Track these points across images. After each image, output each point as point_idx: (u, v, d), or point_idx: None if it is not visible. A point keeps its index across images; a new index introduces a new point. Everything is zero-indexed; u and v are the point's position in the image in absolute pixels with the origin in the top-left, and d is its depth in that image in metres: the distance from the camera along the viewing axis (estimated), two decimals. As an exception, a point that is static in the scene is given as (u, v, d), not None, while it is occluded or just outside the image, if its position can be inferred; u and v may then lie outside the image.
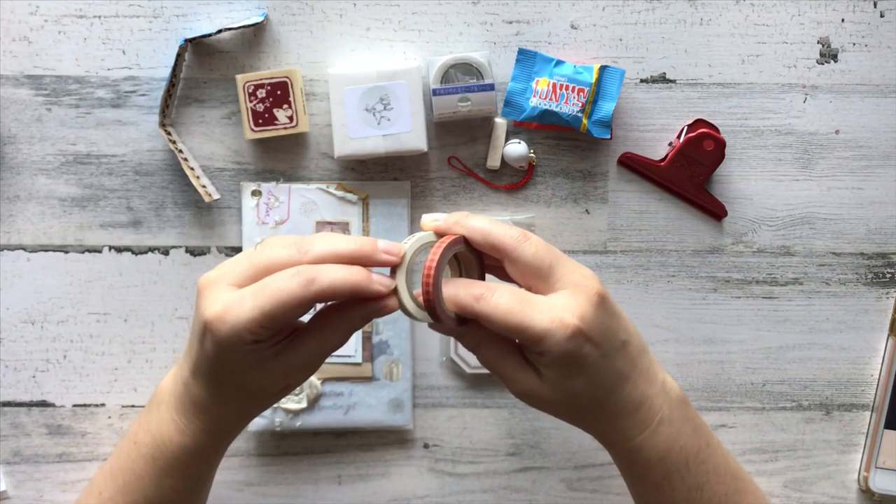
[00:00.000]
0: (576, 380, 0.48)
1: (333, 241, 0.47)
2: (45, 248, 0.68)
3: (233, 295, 0.46)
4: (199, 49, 0.66)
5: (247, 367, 0.48)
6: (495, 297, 0.46)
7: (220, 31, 0.64)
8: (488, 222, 0.49)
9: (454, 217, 0.49)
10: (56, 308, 0.68)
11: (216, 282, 0.47)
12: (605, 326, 0.48)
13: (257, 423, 0.67)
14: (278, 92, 0.64)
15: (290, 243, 0.47)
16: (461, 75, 0.64)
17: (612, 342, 0.48)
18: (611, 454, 0.54)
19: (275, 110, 0.64)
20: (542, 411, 0.51)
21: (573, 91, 0.64)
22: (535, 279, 0.48)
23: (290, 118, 0.65)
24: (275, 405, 0.67)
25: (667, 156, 0.66)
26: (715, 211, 0.67)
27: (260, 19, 0.64)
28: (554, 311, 0.46)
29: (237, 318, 0.45)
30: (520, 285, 0.50)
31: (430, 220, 0.50)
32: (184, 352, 0.52)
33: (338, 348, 0.49)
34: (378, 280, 0.47)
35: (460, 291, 0.47)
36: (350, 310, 0.48)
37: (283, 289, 0.45)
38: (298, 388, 0.67)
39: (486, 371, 0.67)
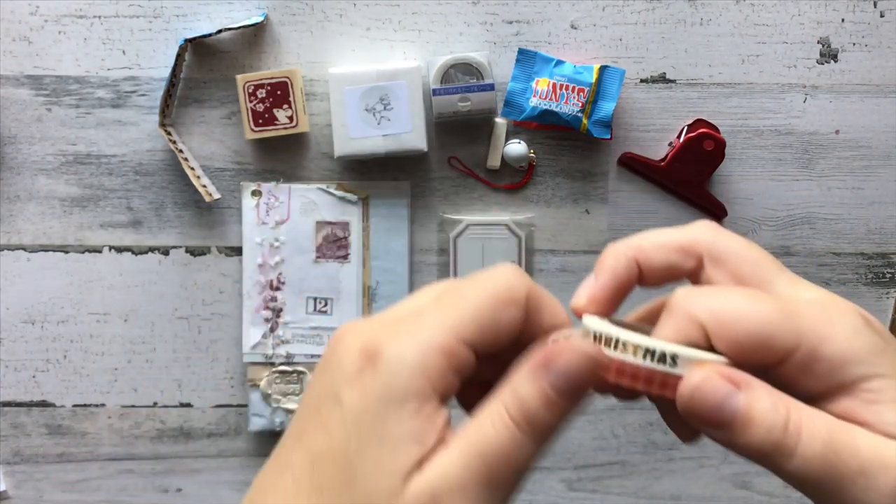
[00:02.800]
0: None
1: None
2: (45, 248, 0.68)
3: (402, 321, 0.28)
4: (199, 49, 0.66)
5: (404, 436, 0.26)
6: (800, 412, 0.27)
7: (220, 31, 0.64)
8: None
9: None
10: (56, 308, 0.68)
11: (363, 321, 0.29)
12: None
13: (257, 422, 0.67)
14: (278, 92, 0.64)
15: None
16: (461, 75, 0.64)
17: None
18: None
19: (275, 110, 0.64)
20: None
21: (573, 91, 0.64)
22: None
23: (290, 118, 0.65)
24: (275, 405, 0.67)
25: (667, 156, 0.66)
26: (715, 211, 0.67)
27: (260, 19, 0.64)
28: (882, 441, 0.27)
29: (428, 331, 0.27)
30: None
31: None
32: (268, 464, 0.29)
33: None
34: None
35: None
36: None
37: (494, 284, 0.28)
38: (299, 387, 0.67)
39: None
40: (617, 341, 0.28)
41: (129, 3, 0.66)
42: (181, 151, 0.66)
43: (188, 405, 0.69)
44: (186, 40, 0.64)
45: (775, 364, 0.28)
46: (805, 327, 0.27)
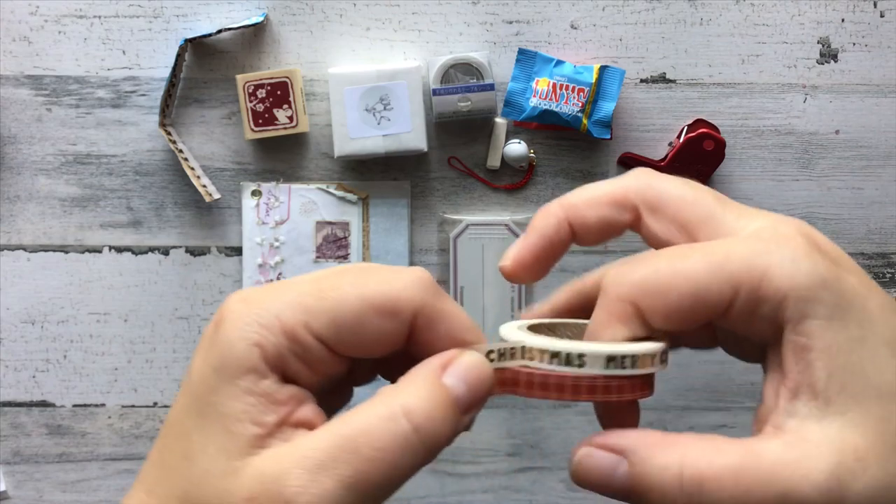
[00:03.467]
0: None
1: None
2: (45, 248, 0.68)
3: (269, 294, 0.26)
4: (199, 49, 0.66)
5: (234, 409, 0.24)
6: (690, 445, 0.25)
7: (220, 31, 0.64)
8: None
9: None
10: (56, 308, 0.68)
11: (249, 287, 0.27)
12: None
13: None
14: (278, 92, 0.64)
15: None
16: (461, 75, 0.64)
17: None
18: None
19: (275, 110, 0.65)
20: None
21: (573, 91, 0.64)
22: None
23: (290, 118, 0.65)
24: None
25: (667, 156, 0.66)
26: (715, 211, 0.67)
27: (260, 19, 0.64)
28: (826, 450, 0.24)
29: (277, 306, 0.25)
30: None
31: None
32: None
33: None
34: None
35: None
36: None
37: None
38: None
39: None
40: (523, 350, 0.25)
41: (129, 3, 0.66)
42: (181, 151, 0.66)
43: (188, 405, 0.69)
44: (186, 40, 0.64)
45: (719, 318, 0.25)
46: (739, 270, 0.24)
